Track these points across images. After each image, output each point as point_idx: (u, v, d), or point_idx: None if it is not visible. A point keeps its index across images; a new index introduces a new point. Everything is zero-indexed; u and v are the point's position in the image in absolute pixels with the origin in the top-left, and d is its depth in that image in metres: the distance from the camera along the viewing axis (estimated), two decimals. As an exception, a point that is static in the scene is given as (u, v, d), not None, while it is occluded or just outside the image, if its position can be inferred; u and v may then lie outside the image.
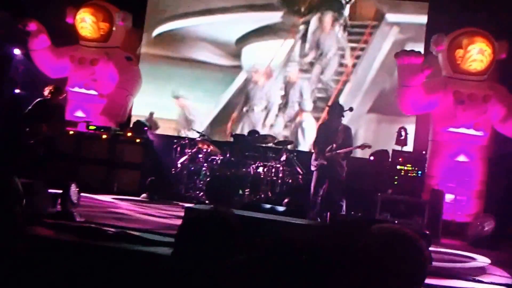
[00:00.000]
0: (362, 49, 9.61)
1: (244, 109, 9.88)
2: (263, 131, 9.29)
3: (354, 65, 9.59)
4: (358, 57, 9.60)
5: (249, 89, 9.92)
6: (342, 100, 9.19)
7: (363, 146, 7.17)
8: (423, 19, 9.37)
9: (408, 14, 9.48)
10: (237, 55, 10.03)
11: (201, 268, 1.96)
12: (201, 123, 9.89)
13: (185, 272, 1.96)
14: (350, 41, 9.66)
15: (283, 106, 9.74)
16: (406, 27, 9.47)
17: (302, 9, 9.92)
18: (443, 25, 8.66)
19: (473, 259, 6.08)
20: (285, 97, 9.75)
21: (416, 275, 1.70)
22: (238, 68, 10.01)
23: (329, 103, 8.95)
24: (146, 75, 10.15)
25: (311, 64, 9.75)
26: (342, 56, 9.67)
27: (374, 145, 8.05)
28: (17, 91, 9.33)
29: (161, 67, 10.25)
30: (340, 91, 9.54)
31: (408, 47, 8.91)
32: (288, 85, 9.79)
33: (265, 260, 1.70)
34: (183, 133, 9.81)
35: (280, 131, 9.64)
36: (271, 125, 9.73)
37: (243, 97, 9.92)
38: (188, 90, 10.05)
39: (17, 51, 9.46)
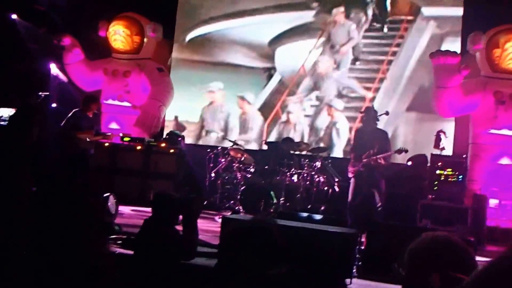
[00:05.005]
0: (398, 45, 9.32)
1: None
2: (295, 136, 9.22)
3: (390, 62, 9.30)
4: (394, 54, 9.30)
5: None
6: (377, 100, 9.05)
7: (399, 151, 6.91)
8: (460, 11, 8.97)
9: (445, 7, 9.14)
10: (270, 57, 9.93)
11: (245, 280, 1.90)
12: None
13: (229, 284, 1.89)
14: (385, 37, 9.42)
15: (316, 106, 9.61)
16: (443, 21, 9.09)
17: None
18: (479, 19, 8.38)
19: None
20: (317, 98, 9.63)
21: None
22: (272, 69, 9.91)
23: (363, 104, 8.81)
24: (180, 79, 10.18)
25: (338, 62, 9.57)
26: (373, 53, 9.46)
27: (414, 145, 7.86)
28: (53, 105, 9.49)
29: (194, 71, 10.23)
30: (377, 89, 9.29)
31: (447, 41, 8.76)
32: (318, 83, 9.62)
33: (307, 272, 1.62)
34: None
35: (314, 137, 9.52)
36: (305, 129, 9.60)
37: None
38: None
39: (53, 66, 9.65)
